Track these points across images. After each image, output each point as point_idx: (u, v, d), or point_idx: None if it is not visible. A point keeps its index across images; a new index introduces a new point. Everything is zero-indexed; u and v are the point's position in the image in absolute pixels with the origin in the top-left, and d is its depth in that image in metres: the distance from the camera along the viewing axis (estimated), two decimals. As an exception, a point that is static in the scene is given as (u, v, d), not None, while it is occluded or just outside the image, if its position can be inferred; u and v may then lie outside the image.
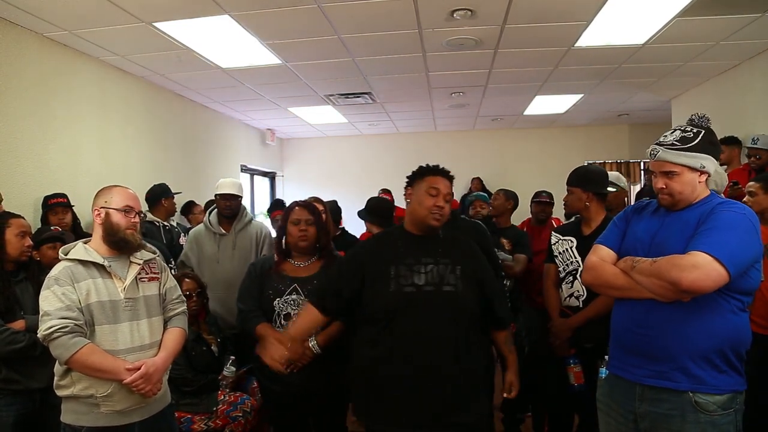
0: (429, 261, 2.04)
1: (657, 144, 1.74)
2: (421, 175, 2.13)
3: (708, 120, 1.74)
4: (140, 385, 1.89)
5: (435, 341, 1.98)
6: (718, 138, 1.82)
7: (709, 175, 1.73)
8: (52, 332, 1.80)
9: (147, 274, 2.06)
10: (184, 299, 2.25)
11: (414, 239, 2.11)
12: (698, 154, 1.68)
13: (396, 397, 1.98)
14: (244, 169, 7.62)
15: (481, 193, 4.59)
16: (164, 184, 4.51)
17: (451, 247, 2.11)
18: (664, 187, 1.72)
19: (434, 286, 2.01)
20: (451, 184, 2.14)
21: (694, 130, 1.72)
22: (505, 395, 2.22)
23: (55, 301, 1.84)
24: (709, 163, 1.70)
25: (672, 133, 1.74)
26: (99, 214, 1.99)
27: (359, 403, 2.13)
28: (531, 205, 4.14)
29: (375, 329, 2.04)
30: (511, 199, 4.02)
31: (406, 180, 2.20)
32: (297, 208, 2.57)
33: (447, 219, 2.12)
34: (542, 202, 4.03)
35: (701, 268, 1.53)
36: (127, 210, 1.98)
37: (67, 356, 1.81)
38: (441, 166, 2.16)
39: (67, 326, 1.81)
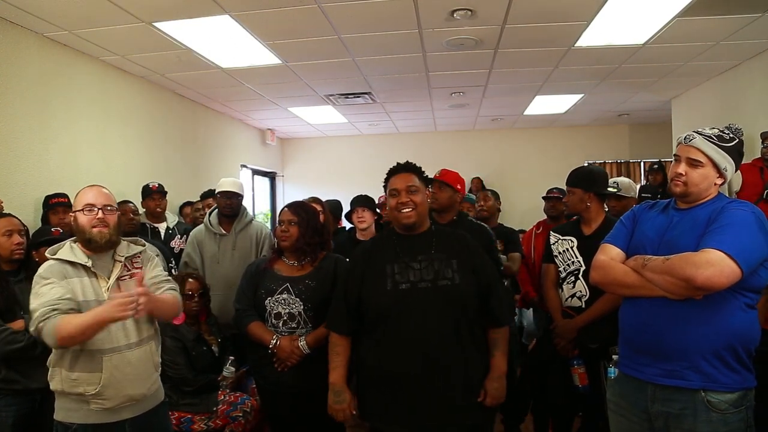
0: (423, 257, 2.05)
1: (695, 131, 1.75)
2: (386, 181, 2.16)
3: (742, 133, 1.78)
4: (127, 307, 1.71)
5: (436, 337, 1.97)
6: None
7: (724, 182, 1.75)
8: (37, 326, 1.77)
9: (128, 271, 2.02)
10: (170, 279, 2.17)
11: (407, 239, 2.11)
12: (728, 155, 1.72)
13: (404, 397, 1.98)
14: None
15: (470, 194, 4.63)
16: (145, 185, 4.35)
17: (446, 242, 2.11)
18: (683, 174, 1.73)
19: (430, 282, 2.01)
20: (415, 174, 2.11)
21: (730, 135, 1.74)
22: (479, 399, 2.04)
23: (40, 296, 1.82)
24: (731, 169, 1.73)
25: (711, 129, 1.76)
26: (73, 220, 1.99)
27: (367, 405, 2.11)
28: (544, 204, 4.11)
29: (377, 329, 2.04)
30: (498, 199, 4.08)
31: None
32: (285, 209, 2.62)
33: (436, 206, 2.11)
34: (552, 197, 4.00)
35: (715, 265, 1.53)
36: (87, 209, 1.95)
37: (55, 340, 1.74)
38: (402, 162, 2.15)
39: (45, 314, 1.76)
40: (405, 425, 1.99)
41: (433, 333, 1.98)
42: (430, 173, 2.43)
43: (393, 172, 2.14)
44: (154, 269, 2.11)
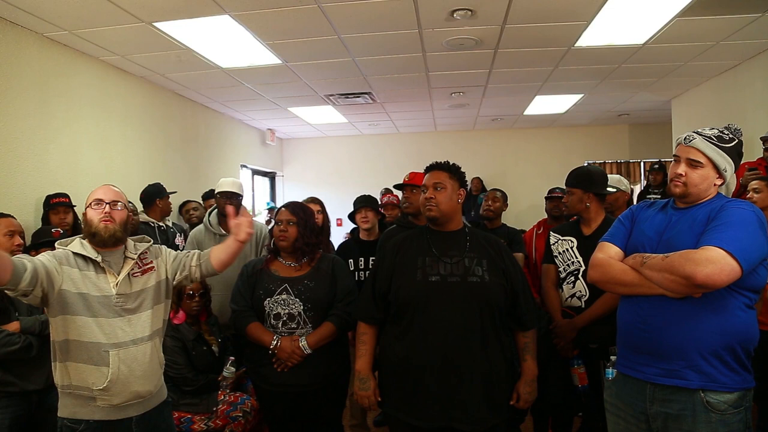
0: (455, 254, 2.12)
1: (695, 132, 1.75)
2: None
3: (741, 134, 1.78)
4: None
5: (457, 333, 2.01)
6: None
7: (723, 182, 1.74)
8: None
9: (140, 268, 2.04)
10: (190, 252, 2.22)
11: (440, 235, 2.17)
12: (727, 156, 1.71)
13: (420, 390, 2.01)
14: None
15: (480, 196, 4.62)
16: (158, 184, 4.44)
17: (478, 242, 2.17)
18: (683, 174, 1.72)
19: (459, 277, 2.06)
20: (445, 172, 2.18)
21: (730, 136, 1.74)
22: (511, 403, 2.16)
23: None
24: (730, 170, 1.73)
25: (710, 129, 1.76)
26: (83, 216, 2.02)
27: (385, 394, 2.15)
28: (546, 204, 4.10)
29: (403, 319, 2.08)
30: (506, 201, 4.08)
31: None
32: (282, 209, 2.61)
33: (445, 206, 2.15)
34: (555, 197, 3.98)
35: (716, 262, 1.53)
36: (95, 203, 1.97)
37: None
38: (435, 162, 2.25)
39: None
40: (420, 418, 2.02)
41: (455, 329, 2.01)
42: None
43: (426, 169, 2.25)
44: (171, 254, 2.16)
